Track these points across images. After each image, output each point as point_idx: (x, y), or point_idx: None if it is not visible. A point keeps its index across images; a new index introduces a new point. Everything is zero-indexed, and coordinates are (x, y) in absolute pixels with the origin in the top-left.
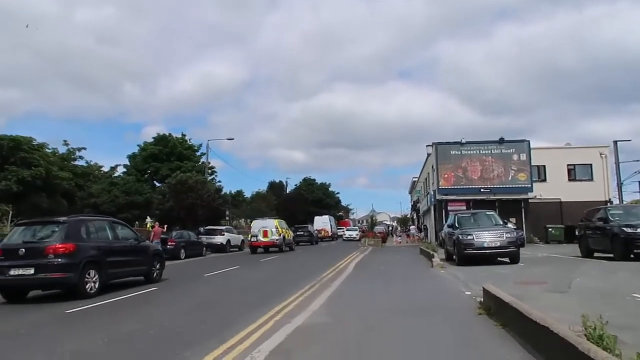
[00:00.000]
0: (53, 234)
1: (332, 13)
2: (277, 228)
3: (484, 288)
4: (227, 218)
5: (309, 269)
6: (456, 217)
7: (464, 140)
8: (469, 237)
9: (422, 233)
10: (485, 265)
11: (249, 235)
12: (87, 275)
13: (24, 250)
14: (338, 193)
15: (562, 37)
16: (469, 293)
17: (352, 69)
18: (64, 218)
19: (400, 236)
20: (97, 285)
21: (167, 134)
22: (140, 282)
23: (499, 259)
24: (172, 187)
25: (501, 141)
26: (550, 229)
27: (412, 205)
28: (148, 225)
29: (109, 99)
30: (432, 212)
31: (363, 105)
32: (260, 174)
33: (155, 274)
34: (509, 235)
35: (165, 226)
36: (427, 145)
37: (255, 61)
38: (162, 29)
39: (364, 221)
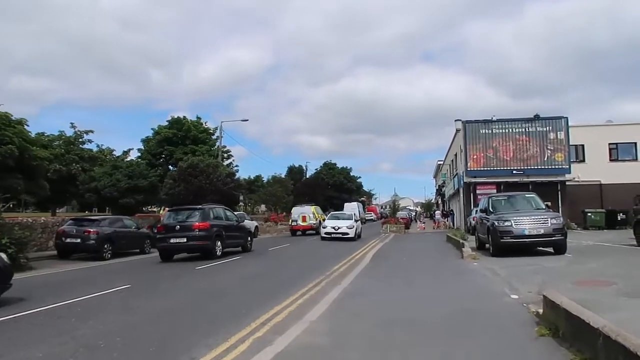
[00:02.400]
0: (195, 216)
1: None
2: (314, 214)
3: (545, 297)
4: (241, 203)
5: (321, 258)
6: (490, 200)
7: (494, 118)
8: (506, 224)
9: (448, 219)
10: (526, 257)
11: (290, 220)
12: (216, 244)
13: (178, 226)
14: (359, 177)
15: (595, 15)
16: (516, 297)
17: (376, 52)
18: (200, 206)
19: (424, 222)
20: (220, 251)
21: (182, 116)
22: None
23: (539, 248)
24: (180, 171)
25: (536, 118)
26: (589, 214)
27: (436, 190)
28: (161, 213)
29: (135, 86)
30: (460, 195)
31: (388, 89)
32: (284, 160)
33: (249, 246)
34: (555, 222)
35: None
36: (455, 120)
37: (280, 46)
38: (187, 14)
39: (387, 206)
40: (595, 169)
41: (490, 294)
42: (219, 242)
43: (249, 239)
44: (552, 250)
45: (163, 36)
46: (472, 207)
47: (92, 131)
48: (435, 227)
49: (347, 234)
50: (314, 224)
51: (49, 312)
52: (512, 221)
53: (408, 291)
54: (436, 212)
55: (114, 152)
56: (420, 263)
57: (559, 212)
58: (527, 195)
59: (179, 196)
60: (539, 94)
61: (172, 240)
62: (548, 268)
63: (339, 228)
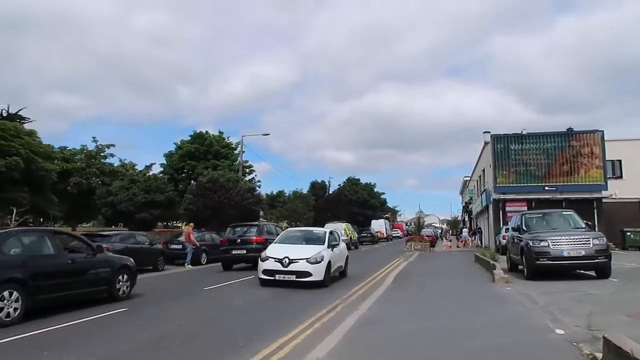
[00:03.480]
0: (252, 231)
1: (380, 9)
2: (345, 230)
3: (606, 339)
4: (261, 219)
5: (341, 280)
6: (524, 217)
7: (525, 132)
8: (542, 244)
9: (476, 237)
10: (565, 281)
11: None
12: None
13: (239, 240)
14: (383, 194)
15: (628, 28)
16: (562, 332)
17: (400, 67)
18: (257, 222)
19: (450, 240)
20: None
21: (205, 131)
22: None
23: (579, 271)
24: (199, 186)
25: (569, 132)
26: (628, 234)
27: (463, 207)
28: (183, 227)
29: (163, 102)
30: (489, 212)
31: (412, 104)
32: (308, 175)
33: None
34: (597, 242)
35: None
36: (484, 132)
37: (304, 61)
38: (213, 31)
39: (411, 223)
40: (634, 186)
41: (530, 327)
42: None
43: None
44: (594, 274)
45: (190, 53)
46: (501, 225)
47: (113, 145)
48: (462, 246)
49: (307, 273)
50: (345, 239)
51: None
52: (549, 241)
53: (433, 320)
54: (463, 229)
55: (136, 167)
56: (446, 286)
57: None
58: (564, 213)
59: (197, 212)
60: (569, 109)
61: (234, 252)
62: (593, 295)
63: (290, 263)
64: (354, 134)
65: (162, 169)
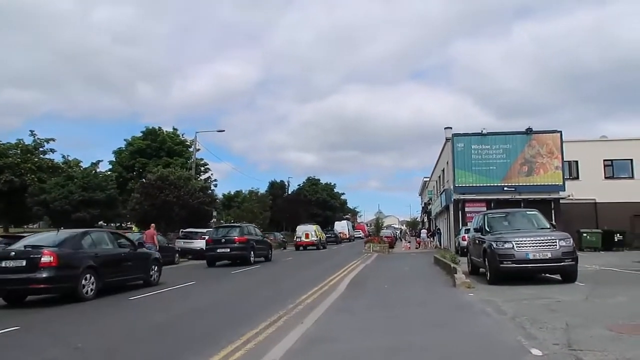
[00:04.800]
0: (235, 231)
1: (347, 12)
2: (315, 232)
3: None
4: (214, 220)
5: (289, 285)
6: (486, 218)
7: (485, 131)
8: (506, 246)
9: (435, 238)
10: (530, 286)
11: (294, 237)
12: (250, 253)
13: (223, 240)
14: (343, 194)
15: (583, 35)
16: (540, 354)
17: (365, 69)
18: (239, 224)
19: (409, 241)
20: (254, 259)
21: (157, 127)
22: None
23: (543, 274)
24: (144, 184)
25: (528, 132)
26: (585, 235)
27: (422, 208)
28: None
29: (123, 99)
30: (450, 213)
31: (376, 106)
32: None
33: (270, 256)
34: (564, 244)
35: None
36: (445, 128)
37: (269, 61)
38: (177, 28)
39: (371, 224)
40: (590, 187)
41: (502, 347)
42: (253, 252)
43: (270, 250)
44: (559, 277)
45: (153, 50)
46: (460, 225)
47: (53, 139)
48: (422, 247)
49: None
50: (315, 240)
51: None
52: (514, 243)
53: (390, 337)
54: (422, 230)
55: (81, 164)
56: (405, 292)
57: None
58: (528, 213)
59: (143, 212)
60: (526, 114)
61: (218, 250)
62: (565, 303)
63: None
64: (318, 136)
65: (111, 166)
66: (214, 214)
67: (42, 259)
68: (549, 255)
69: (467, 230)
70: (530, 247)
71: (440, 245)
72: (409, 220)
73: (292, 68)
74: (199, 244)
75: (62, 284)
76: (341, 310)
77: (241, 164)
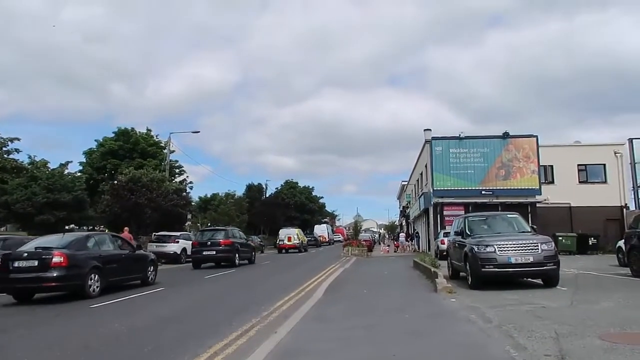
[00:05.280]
0: (220, 235)
1: (324, 15)
2: (297, 235)
3: None
4: (189, 223)
5: (265, 290)
6: (466, 221)
7: (462, 135)
8: (488, 249)
9: (413, 241)
10: (512, 290)
11: (277, 240)
12: (235, 256)
13: (209, 242)
14: (322, 197)
15: (552, 45)
16: None
17: (342, 74)
18: (224, 227)
19: (388, 245)
20: (238, 260)
21: (130, 128)
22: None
23: (525, 279)
24: (113, 186)
25: (505, 136)
26: (560, 238)
27: (400, 212)
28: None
29: (95, 100)
30: (430, 216)
31: (353, 110)
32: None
33: (253, 259)
34: (546, 247)
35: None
36: (425, 130)
37: (246, 64)
38: (151, 28)
39: (349, 228)
40: (565, 191)
41: (490, 358)
42: (237, 254)
43: (253, 253)
44: (540, 282)
45: (127, 50)
46: (439, 229)
47: (17, 139)
48: (400, 250)
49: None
50: (297, 243)
51: None
52: (496, 246)
53: (370, 349)
54: (400, 234)
55: (49, 165)
56: (385, 298)
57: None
58: (509, 216)
59: (113, 214)
60: (499, 120)
61: (204, 253)
62: (550, 310)
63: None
64: (295, 139)
65: (81, 167)
66: (189, 216)
67: (53, 259)
68: (531, 259)
69: (446, 234)
70: (512, 251)
71: (419, 248)
72: (387, 224)
73: (269, 71)
74: (172, 247)
75: (71, 282)
76: (318, 319)
77: (219, 167)
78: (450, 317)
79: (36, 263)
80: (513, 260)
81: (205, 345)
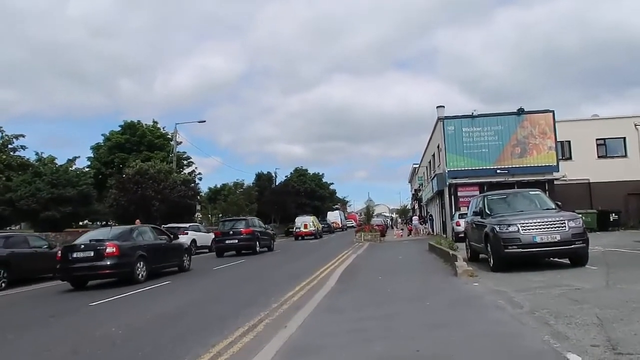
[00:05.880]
0: (241, 224)
1: (328, 2)
2: (313, 222)
3: None
4: (198, 214)
5: (276, 279)
6: (486, 200)
7: (475, 113)
8: (511, 229)
9: (427, 224)
10: (538, 272)
11: (294, 228)
12: (257, 243)
13: (231, 232)
14: (332, 184)
15: (563, 20)
16: None
17: (349, 60)
18: (245, 217)
19: (402, 229)
20: (259, 248)
21: (136, 121)
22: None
23: (550, 259)
24: (119, 179)
25: (520, 112)
26: (580, 215)
27: (412, 195)
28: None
29: (104, 96)
30: (445, 197)
31: (361, 96)
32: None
33: (272, 247)
34: (574, 224)
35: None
36: (437, 107)
37: (253, 53)
38: (157, 21)
39: (361, 213)
40: (583, 167)
41: (529, 351)
42: (258, 243)
43: (272, 241)
44: (566, 262)
45: (133, 44)
46: (453, 210)
47: (22, 135)
48: (414, 234)
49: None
50: (314, 230)
51: None
52: (519, 225)
53: (390, 345)
54: (413, 217)
55: (56, 161)
56: (402, 285)
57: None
58: (531, 193)
59: (121, 208)
60: (510, 99)
61: (227, 242)
62: (585, 292)
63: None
64: (304, 127)
65: (89, 163)
66: (198, 207)
67: (107, 249)
68: (558, 237)
69: (461, 215)
70: (537, 229)
71: (433, 231)
72: (399, 208)
73: (276, 59)
74: (182, 239)
75: (122, 269)
76: (331, 310)
77: (228, 158)
78: (476, 304)
79: (92, 253)
80: (538, 240)
81: (208, 344)
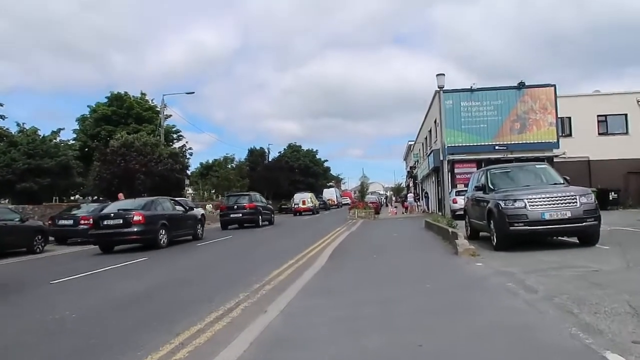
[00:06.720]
0: (245, 199)
1: None
2: (311, 199)
3: None
4: (187, 189)
5: (262, 256)
6: (488, 174)
7: (474, 87)
8: (517, 205)
9: (422, 202)
10: (545, 251)
11: (292, 204)
12: (260, 217)
13: (236, 206)
14: (326, 161)
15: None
16: (620, 359)
17: (345, 34)
18: (249, 193)
19: (396, 207)
20: (262, 222)
21: (123, 92)
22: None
23: (559, 237)
24: (102, 151)
25: (521, 86)
26: (592, 190)
27: (407, 172)
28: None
29: (95, 70)
30: (437, 175)
31: (357, 73)
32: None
33: (273, 220)
34: (585, 200)
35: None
36: (437, 75)
37: (246, 27)
38: None
39: (355, 191)
40: (583, 144)
41: (556, 348)
42: (261, 216)
43: (273, 215)
44: (574, 240)
45: (124, 17)
46: (449, 187)
47: (1, 105)
48: (409, 212)
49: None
50: (312, 206)
51: None
52: (526, 201)
53: (389, 336)
54: (408, 195)
55: (39, 132)
56: (399, 263)
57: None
58: (537, 166)
59: (104, 181)
60: (508, 76)
61: (232, 215)
62: (605, 274)
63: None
64: (299, 103)
65: (75, 135)
66: (187, 182)
67: (134, 217)
68: (569, 214)
69: (458, 193)
70: (546, 205)
71: (428, 209)
72: (394, 186)
73: (269, 34)
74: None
75: (148, 236)
76: (319, 292)
77: (222, 134)
78: (482, 287)
79: (121, 221)
80: (547, 217)
81: (172, 332)
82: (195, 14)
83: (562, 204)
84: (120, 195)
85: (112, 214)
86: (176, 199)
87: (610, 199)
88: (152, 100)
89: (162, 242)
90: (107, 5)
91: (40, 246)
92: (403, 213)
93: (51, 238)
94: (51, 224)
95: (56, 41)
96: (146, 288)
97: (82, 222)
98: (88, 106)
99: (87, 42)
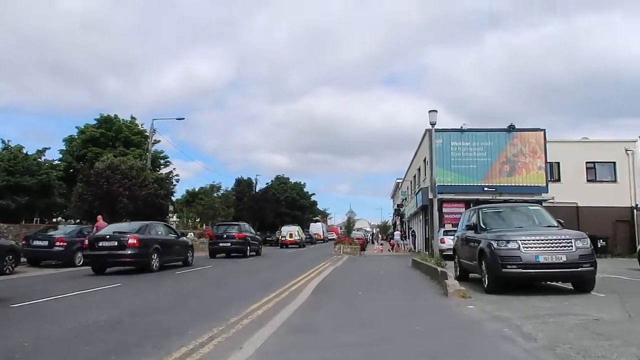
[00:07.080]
0: (234, 229)
1: (320, 14)
2: (298, 232)
3: None
4: (171, 216)
5: (242, 288)
6: (480, 213)
7: (464, 127)
8: (510, 246)
9: (409, 240)
10: (541, 296)
11: (279, 236)
12: (248, 247)
13: (225, 235)
14: (313, 194)
15: (551, 47)
16: None
17: (338, 72)
18: (239, 223)
19: (382, 244)
20: (249, 252)
21: (114, 115)
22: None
23: (551, 282)
24: (84, 172)
25: (510, 129)
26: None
27: (395, 210)
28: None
29: (89, 93)
30: (426, 214)
31: (348, 110)
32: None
33: (260, 252)
34: (581, 245)
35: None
36: (430, 111)
37: (241, 60)
38: (147, 22)
39: (342, 227)
40: (572, 190)
41: None
42: (249, 247)
43: (260, 246)
44: (569, 286)
45: (121, 43)
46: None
47: None
48: (395, 250)
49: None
50: (298, 239)
51: None
52: (520, 242)
53: None
54: (395, 232)
55: (24, 150)
56: (385, 303)
57: None
58: (530, 208)
59: (86, 202)
60: (497, 122)
61: (220, 244)
62: (608, 324)
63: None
64: (290, 137)
65: (61, 155)
66: (171, 208)
67: (129, 240)
68: (564, 258)
69: (446, 232)
70: (540, 247)
71: (415, 248)
72: (380, 224)
73: (263, 68)
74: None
75: (141, 259)
76: (300, 330)
77: (211, 163)
78: (476, 331)
79: (116, 243)
80: (542, 260)
81: None
82: (192, 43)
83: (557, 247)
84: (99, 217)
85: (108, 236)
86: (169, 225)
87: (599, 246)
88: (142, 125)
89: (154, 266)
90: (107, 28)
91: (10, 267)
92: (389, 250)
93: (24, 259)
94: (25, 244)
95: (51, 60)
96: (112, 316)
97: (58, 243)
98: (76, 127)
99: (81, 63)
